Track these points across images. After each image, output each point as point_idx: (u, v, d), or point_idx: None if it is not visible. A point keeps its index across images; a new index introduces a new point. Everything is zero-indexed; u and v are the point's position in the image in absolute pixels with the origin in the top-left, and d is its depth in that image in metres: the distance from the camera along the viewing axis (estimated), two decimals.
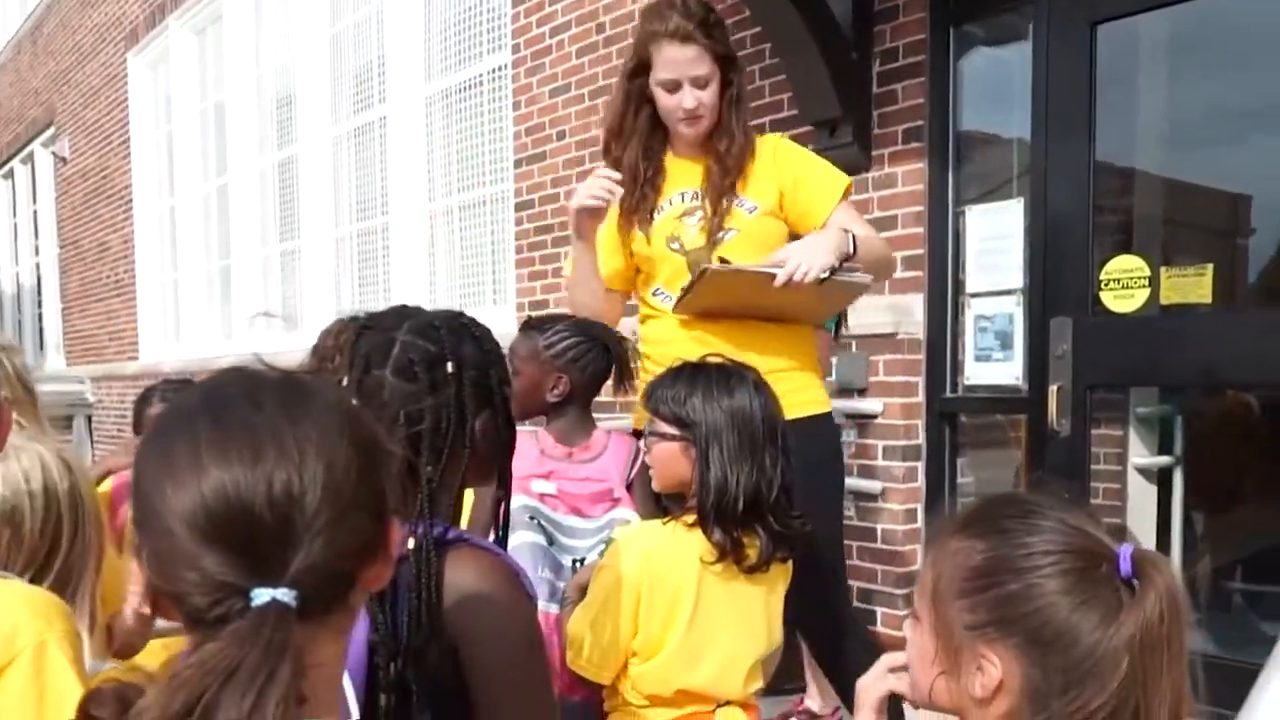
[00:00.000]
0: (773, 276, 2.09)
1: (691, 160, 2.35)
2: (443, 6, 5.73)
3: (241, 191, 7.79)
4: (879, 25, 3.53)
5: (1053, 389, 3.08)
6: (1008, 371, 3.29)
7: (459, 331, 1.32)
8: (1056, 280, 3.10)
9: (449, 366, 1.27)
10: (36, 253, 12.67)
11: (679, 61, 2.22)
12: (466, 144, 5.57)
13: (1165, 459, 3.44)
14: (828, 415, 2.37)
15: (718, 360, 1.91)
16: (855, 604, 3.59)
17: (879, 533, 3.53)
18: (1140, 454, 3.43)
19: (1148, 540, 3.41)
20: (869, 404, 3.56)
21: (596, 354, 2.24)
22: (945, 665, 1.05)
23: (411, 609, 1.19)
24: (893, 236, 3.52)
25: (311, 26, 6.79)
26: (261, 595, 0.71)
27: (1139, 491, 3.44)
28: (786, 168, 2.30)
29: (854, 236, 2.18)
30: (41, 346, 12.53)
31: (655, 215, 2.33)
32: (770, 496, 1.79)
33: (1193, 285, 2.89)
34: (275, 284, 7.57)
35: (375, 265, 6.39)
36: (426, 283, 5.92)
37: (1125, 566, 0.98)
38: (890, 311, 3.47)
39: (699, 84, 2.24)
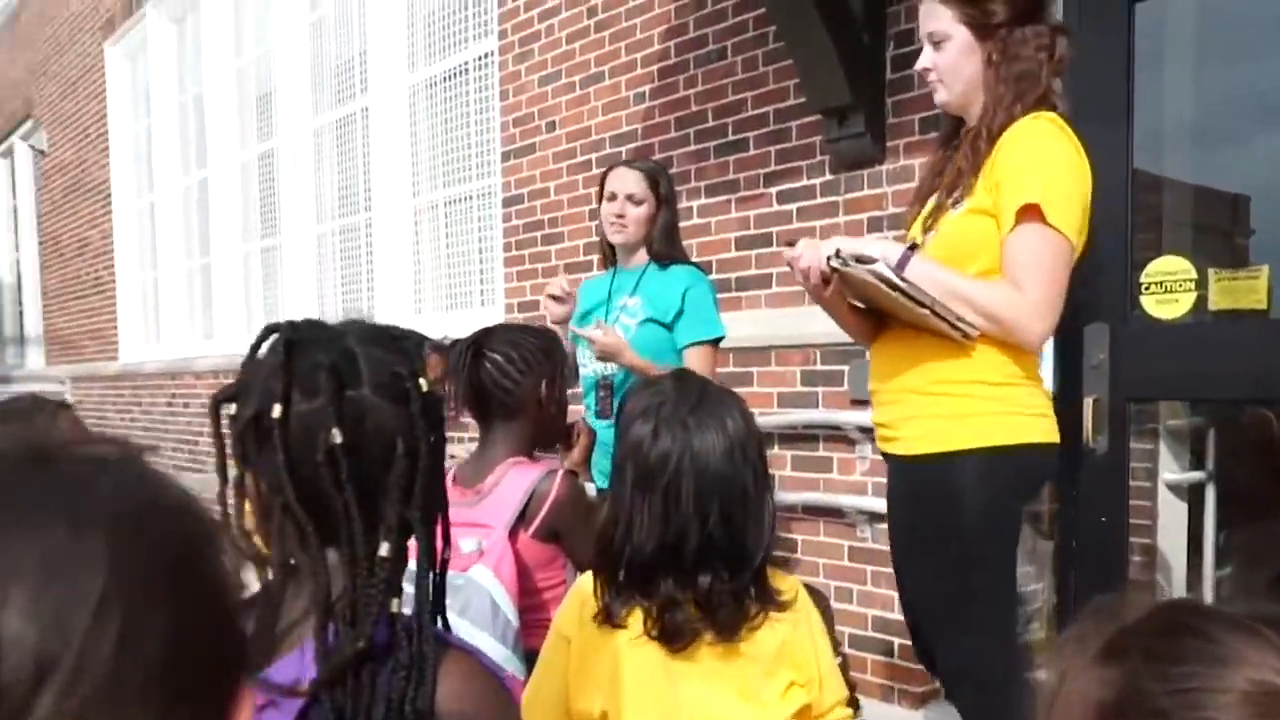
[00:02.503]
0: (884, 282, 1.81)
1: None
2: None
3: (222, 186, 7.49)
4: (893, 5, 3.25)
5: (1087, 402, 2.81)
6: None
7: (408, 341, 1.11)
8: (1092, 283, 2.83)
9: (423, 384, 1.06)
10: (17, 248, 12.38)
11: (921, 14, 1.99)
12: (452, 136, 5.28)
13: (1197, 475, 3.20)
14: (953, 456, 1.90)
15: (682, 377, 1.59)
16: (870, 633, 3.33)
17: None
18: (1171, 469, 3.19)
19: (1178, 560, 3.19)
20: None
21: (464, 363, 1.92)
22: None
23: None
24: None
25: (291, 13, 6.50)
26: None
27: (1169, 509, 3.21)
28: (1000, 161, 1.88)
29: (905, 257, 1.86)
30: (22, 345, 12.25)
31: (920, 213, 2.08)
32: (688, 554, 1.43)
33: (1246, 289, 2.62)
34: (256, 283, 7.28)
35: (358, 263, 6.11)
36: (411, 282, 5.65)
37: None
38: None
39: (933, 40, 1.97)
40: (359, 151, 5.99)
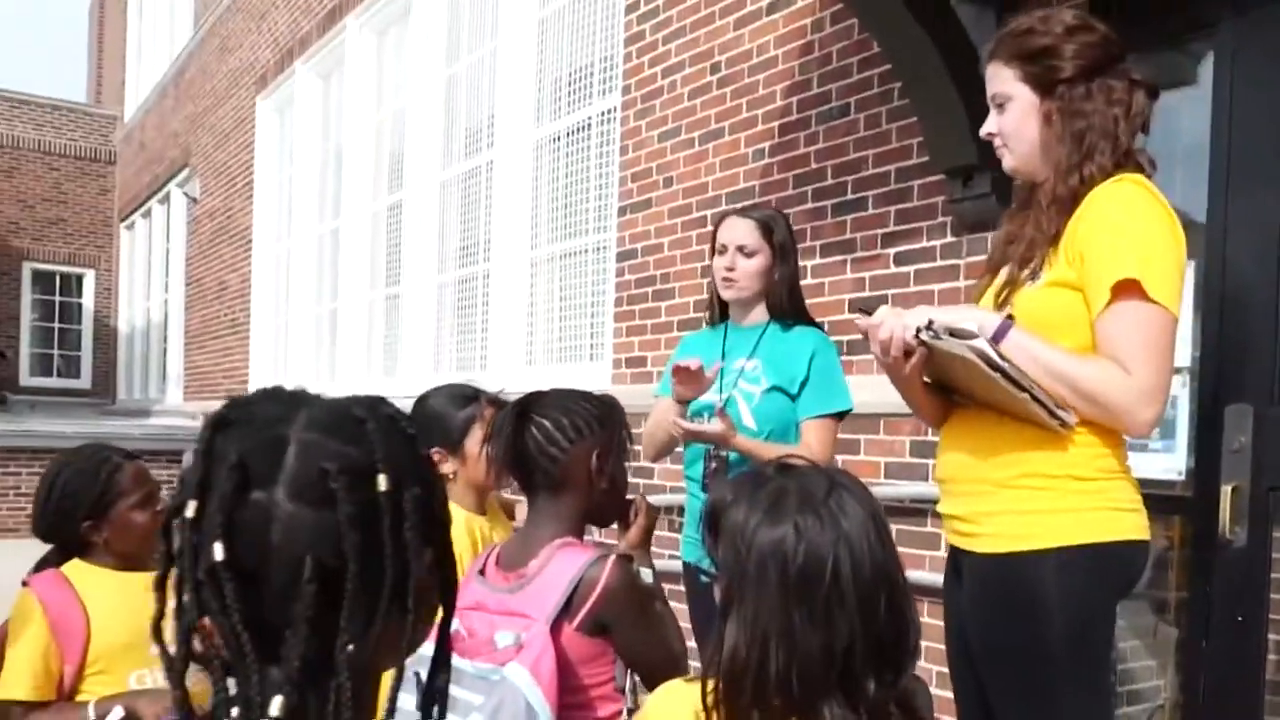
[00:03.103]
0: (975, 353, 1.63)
1: None
2: (556, 48, 5.53)
3: (352, 235, 7.72)
4: None
5: (1226, 489, 2.57)
6: (1167, 464, 2.80)
7: (389, 426, 0.86)
8: (1234, 360, 2.61)
9: (382, 482, 0.82)
10: (166, 289, 13.03)
11: (987, 77, 1.87)
12: (572, 190, 5.31)
13: None
14: (1028, 557, 1.72)
15: (800, 463, 1.35)
16: None
17: None
18: None
19: None
20: None
21: (508, 426, 1.72)
22: None
23: None
24: None
25: (427, 68, 6.69)
26: None
27: None
28: (1081, 230, 1.70)
29: (1004, 327, 1.67)
30: (164, 380, 12.81)
31: (989, 285, 1.91)
32: (830, 668, 1.19)
33: None
34: (379, 329, 7.44)
35: (474, 313, 6.17)
36: (524, 333, 5.66)
37: None
38: None
39: (996, 103, 1.85)
40: (481, 204, 6.08)
